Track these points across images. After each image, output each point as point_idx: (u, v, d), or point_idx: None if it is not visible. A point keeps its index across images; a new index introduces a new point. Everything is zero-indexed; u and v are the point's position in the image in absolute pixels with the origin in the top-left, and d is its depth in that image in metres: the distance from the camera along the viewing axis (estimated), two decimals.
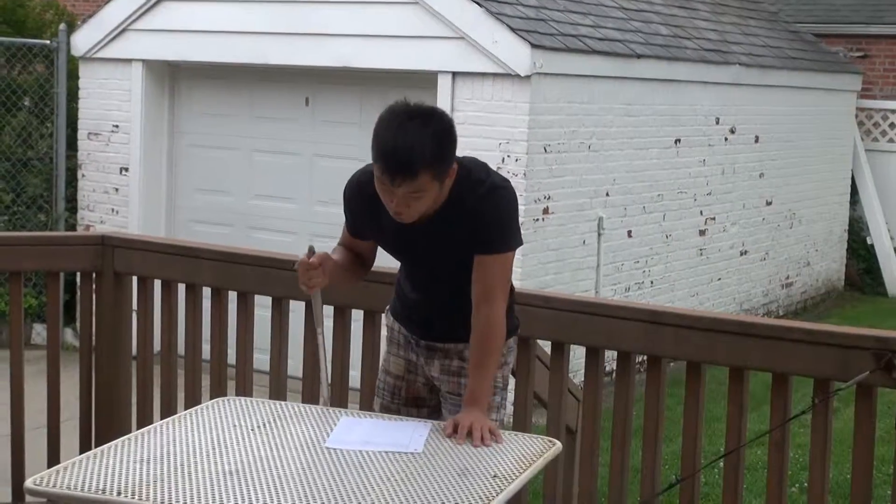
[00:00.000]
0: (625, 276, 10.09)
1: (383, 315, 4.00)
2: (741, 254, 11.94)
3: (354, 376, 4.58)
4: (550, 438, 3.46)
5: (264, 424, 3.45)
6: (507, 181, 3.59)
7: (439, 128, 3.36)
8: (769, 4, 14.85)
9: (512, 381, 4.41)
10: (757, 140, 11.92)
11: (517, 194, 3.59)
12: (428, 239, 3.52)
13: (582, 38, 9.28)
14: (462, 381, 3.69)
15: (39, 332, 9.90)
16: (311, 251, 3.62)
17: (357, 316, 4.58)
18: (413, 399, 3.85)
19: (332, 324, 4.55)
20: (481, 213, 3.46)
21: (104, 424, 5.10)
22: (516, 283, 8.95)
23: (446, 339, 3.72)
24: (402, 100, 3.41)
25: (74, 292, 5.90)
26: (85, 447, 4.99)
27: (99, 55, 10.39)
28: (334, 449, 3.23)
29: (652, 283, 10.47)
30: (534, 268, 8.80)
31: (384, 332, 4.00)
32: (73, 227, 10.71)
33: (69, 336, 9.78)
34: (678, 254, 10.84)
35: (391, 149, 3.29)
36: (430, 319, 3.74)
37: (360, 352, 4.58)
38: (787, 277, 12.95)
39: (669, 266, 10.73)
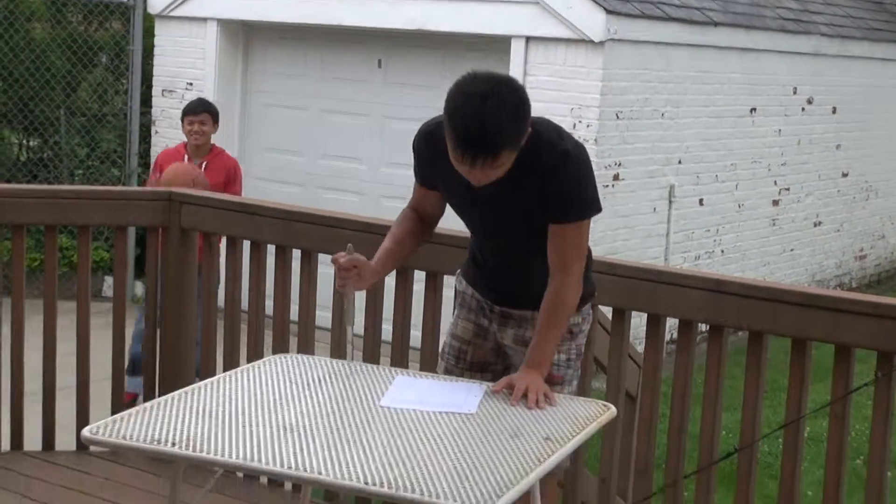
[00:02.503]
0: (695, 244, 10.01)
1: (455, 279, 3.93)
2: (815, 225, 11.80)
3: (416, 336, 4.58)
4: (605, 403, 3.44)
5: (320, 381, 3.46)
6: (580, 144, 3.49)
7: (515, 103, 3.24)
8: None
9: None
10: (835, 111, 11.75)
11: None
12: (495, 199, 3.45)
13: (658, 4, 9.18)
14: None
15: (111, 284, 10.02)
16: (350, 251, 3.59)
17: (419, 276, 4.58)
18: (478, 364, 3.81)
19: (394, 283, 4.56)
20: (553, 180, 3.38)
21: (168, 376, 5.16)
22: None
23: (522, 305, 3.66)
24: (468, 73, 3.30)
25: (146, 247, 5.99)
26: (149, 397, 5.05)
27: (174, 13, 10.48)
28: (388, 407, 3.24)
29: (723, 252, 10.38)
30: (603, 234, 8.75)
31: (447, 293, 3.98)
32: (144, 183, 10.82)
33: (139, 289, 9.91)
34: (750, 223, 10.73)
35: (470, 135, 3.19)
36: (505, 285, 3.68)
37: (422, 312, 4.58)
38: (861, 250, 12.78)
39: (741, 235, 10.63)
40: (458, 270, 3.89)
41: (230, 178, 7.58)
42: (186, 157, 7.51)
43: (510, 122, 3.22)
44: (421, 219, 3.77)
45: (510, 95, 3.25)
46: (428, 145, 3.56)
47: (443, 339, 3.98)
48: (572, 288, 3.50)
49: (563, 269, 3.47)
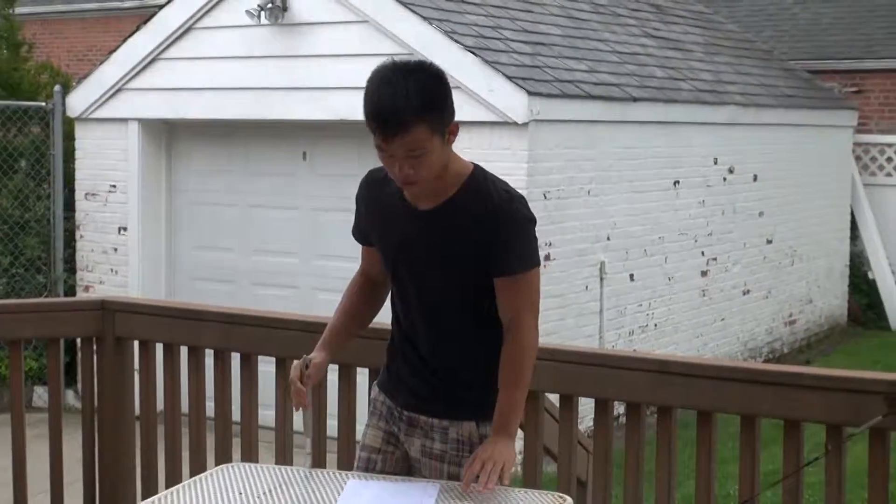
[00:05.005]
0: (628, 319, 10.05)
1: (370, 390, 3.76)
2: (743, 293, 11.91)
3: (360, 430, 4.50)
4: (561, 494, 3.40)
5: (270, 491, 3.38)
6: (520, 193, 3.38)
7: (426, 75, 3.18)
8: (762, 43, 14.88)
9: (521, 434, 4.35)
10: (755, 179, 11.92)
11: None
12: (431, 236, 3.31)
13: (578, 83, 9.29)
14: (445, 468, 3.45)
15: (41, 394, 9.85)
16: (306, 365, 3.51)
17: (363, 371, 4.52)
18: (390, 475, 3.55)
19: (337, 379, 4.51)
20: (501, 225, 3.26)
21: (108, 490, 5.04)
22: None
23: (430, 410, 3.47)
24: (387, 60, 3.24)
25: (75, 352, 5.88)
26: None
27: (94, 115, 10.41)
28: None
29: (655, 325, 10.43)
30: None
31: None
32: (72, 288, 10.68)
33: (70, 398, 9.72)
34: (681, 296, 10.80)
35: (377, 104, 3.12)
36: (421, 374, 3.48)
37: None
38: (790, 315, 12.91)
39: (672, 308, 10.69)
40: (374, 381, 3.72)
41: None
42: None
43: (421, 91, 3.12)
44: (372, 283, 3.63)
45: (426, 71, 3.20)
46: (368, 186, 3.49)
47: None
48: (531, 331, 3.35)
49: (516, 319, 3.33)
